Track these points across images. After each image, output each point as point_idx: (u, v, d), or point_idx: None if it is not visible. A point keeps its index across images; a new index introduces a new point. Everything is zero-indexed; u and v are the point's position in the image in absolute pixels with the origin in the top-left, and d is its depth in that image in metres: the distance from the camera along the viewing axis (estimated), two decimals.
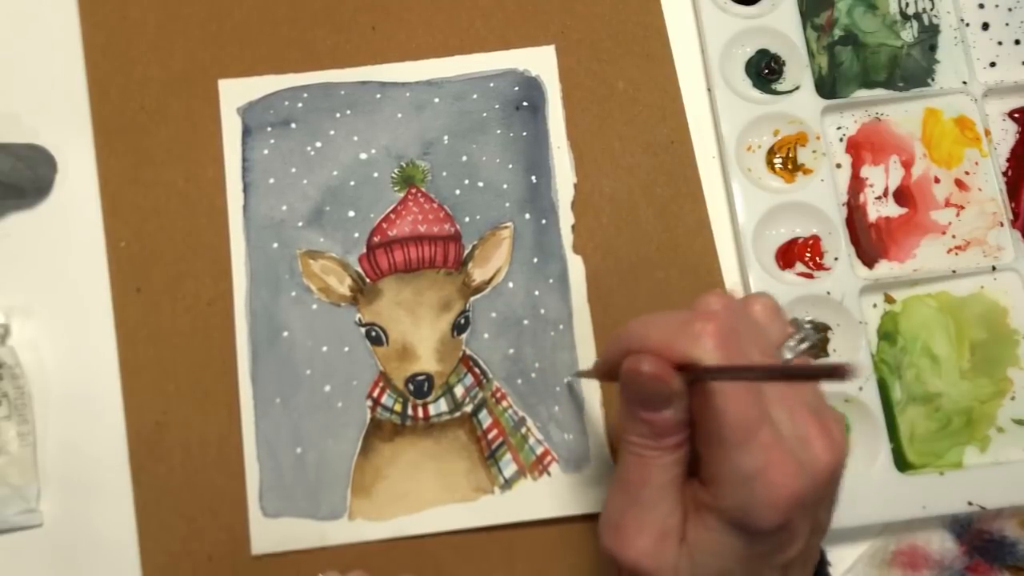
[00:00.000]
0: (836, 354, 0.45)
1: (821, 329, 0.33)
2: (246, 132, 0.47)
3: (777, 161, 0.48)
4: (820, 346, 0.33)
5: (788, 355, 0.33)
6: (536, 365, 0.45)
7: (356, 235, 0.46)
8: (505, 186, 0.47)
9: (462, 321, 0.45)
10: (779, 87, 0.48)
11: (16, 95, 0.48)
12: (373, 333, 0.45)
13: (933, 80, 0.49)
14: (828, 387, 0.44)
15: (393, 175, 0.47)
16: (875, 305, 0.46)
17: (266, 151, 0.47)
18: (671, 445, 0.32)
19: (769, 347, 0.32)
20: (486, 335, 0.45)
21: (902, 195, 0.48)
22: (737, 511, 0.30)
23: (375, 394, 0.44)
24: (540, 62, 0.49)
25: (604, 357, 0.34)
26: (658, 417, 0.31)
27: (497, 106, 0.48)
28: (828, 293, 0.45)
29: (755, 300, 0.34)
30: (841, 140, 0.48)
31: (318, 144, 0.47)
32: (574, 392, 0.44)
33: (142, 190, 0.47)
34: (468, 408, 0.44)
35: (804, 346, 0.33)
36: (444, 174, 0.47)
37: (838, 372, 0.24)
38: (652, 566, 0.32)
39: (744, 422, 0.30)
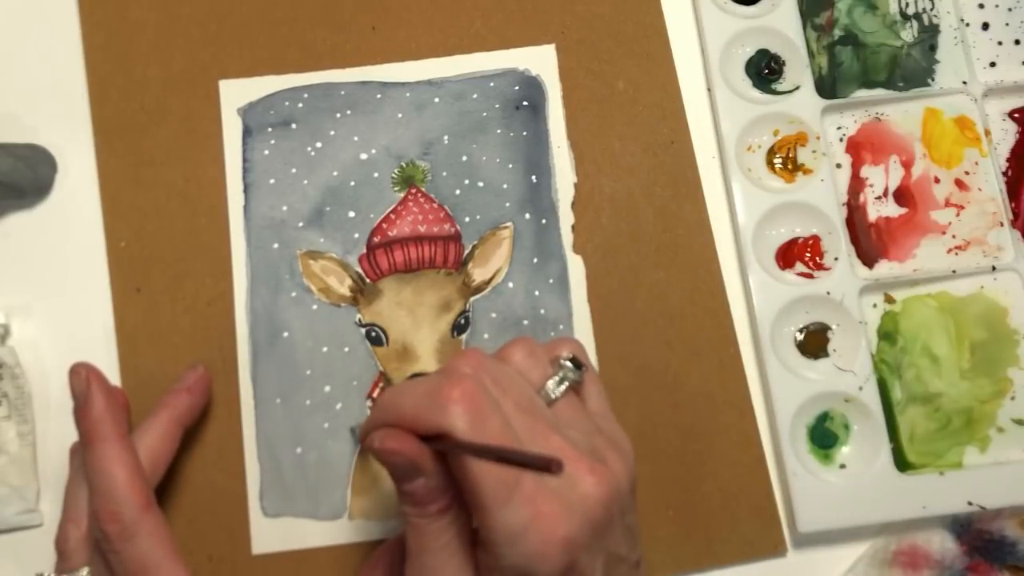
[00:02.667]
0: (836, 354, 0.45)
1: (579, 366, 0.34)
2: (247, 133, 0.47)
3: (777, 161, 0.48)
4: (580, 381, 0.35)
5: (552, 396, 0.34)
6: None
7: (356, 235, 0.46)
8: (505, 186, 0.47)
9: (462, 321, 0.45)
10: (779, 87, 0.48)
11: (16, 95, 0.48)
12: (373, 333, 0.45)
13: (933, 80, 0.49)
14: (829, 387, 0.44)
15: (393, 175, 0.47)
16: (875, 305, 0.46)
17: (266, 151, 0.47)
18: (436, 511, 0.32)
19: (526, 395, 0.33)
20: (486, 335, 0.45)
21: (902, 195, 0.48)
22: (517, 568, 0.30)
23: (375, 395, 0.44)
24: (540, 62, 0.49)
25: (364, 427, 0.34)
26: (414, 487, 0.32)
27: (497, 106, 0.48)
28: (828, 293, 0.45)
29: (513, 348, 0.35)
30: (841, 140, 0.48)
31: (318, 144, 0.47)
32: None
33: (142, 190, 0.47)
34: None
35: (564, 386, 0.34)
36: (444, 174, 0.47)
37: (549, 466, 0.26)
38: None
39: (501, 482, 0.30)
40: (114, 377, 0.44)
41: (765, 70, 0.49)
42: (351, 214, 0.46)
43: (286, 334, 0.45)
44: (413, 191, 0.47)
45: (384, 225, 0.46)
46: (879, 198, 0.48)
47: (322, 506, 0.43)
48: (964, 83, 0.49)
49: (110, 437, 0.38)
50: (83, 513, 0.38)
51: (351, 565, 0.42)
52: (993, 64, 0.49)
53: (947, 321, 0.46)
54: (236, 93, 0.48)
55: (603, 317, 0.45)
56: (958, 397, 0.45)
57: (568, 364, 0.35)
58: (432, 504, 0.32)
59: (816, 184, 0.47)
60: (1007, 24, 0.50)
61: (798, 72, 0.48)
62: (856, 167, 0.48)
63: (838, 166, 0.48)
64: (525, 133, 0.48)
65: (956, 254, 0.47)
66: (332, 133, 0.48)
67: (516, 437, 0.31)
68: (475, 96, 0.48)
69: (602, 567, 0.32)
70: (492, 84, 0.48)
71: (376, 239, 0.46)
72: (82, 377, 0.39)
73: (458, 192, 0.47)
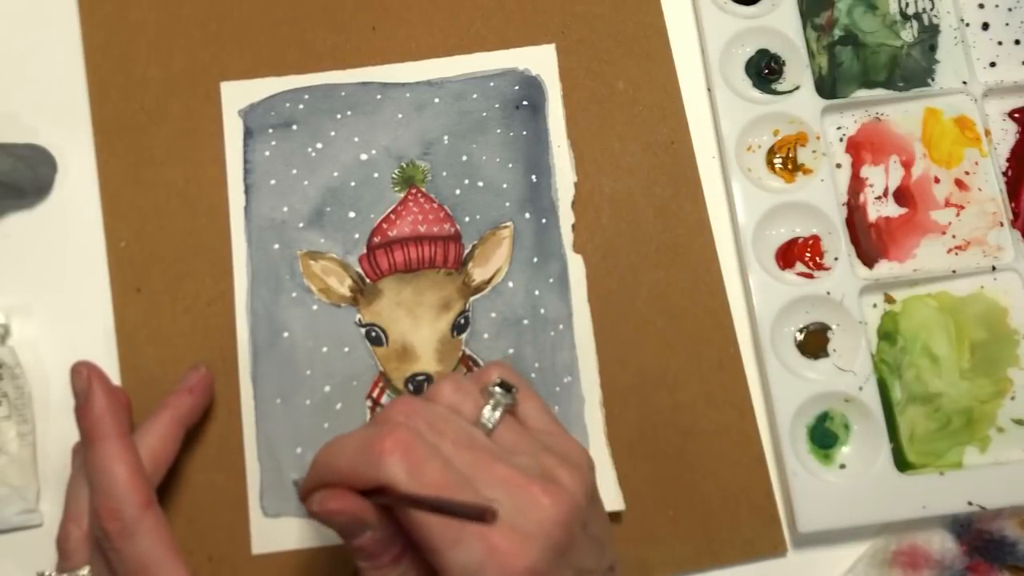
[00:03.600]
0: (836, 354, 0.45)
1: (508, 388, 0.34)
2: (248, 134, 0.47)
3: (777, 161, 0.48)
4: (513, 403, 0.35)
5: (489, 425, 0.34)
6: (536, 365, 0.45)
7: (356, 236, 0.46)
8: (505, 186, 0.47)
9: (462, 321, 0.45)
10: (779, 87, 0.48)
11: (16, 95, 0.48)
12: (373, 333, 0.45)
13: (933, 80, 0.49)
14: (829, 387, 0.44)
15: (393, 175, 0.47)
16: (875, 305, 0.46)
17: (267, 153, 0.47)
18: (390, 561, 0.32)
19: (463, 431, 0.33)
20: (486, 335, 0.45)
21: (902, 195, 0.48)
22: None
23: (375, 394, 0.44)
24: (540, 61, 0.49)
25: (303, 487, 0.34)
26: (363, 542, 0.32)
27: (497, 106, 0.48)
28: (828, 293, 0.45)
29: (439, 387, 0.34)
30: (841, 140, 0.48)
31: (319, 145, 0.47)
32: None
33: (142, 190, 0.47)
34: None
35: (499, 411, 0.34)
36: (444, 174, 0.47)
37: (483, 516, 0.27)
38: None
39: (446, 524, 0.30)
40: (114, 377, 0.44)
41: (765, 70, 0.49)
42: (351, 214, 0.46)
43: (286, 334, 0.45)
44: (413, 191, 0.47)
45: (384, 225, 0.46)
46: (879, 198, 0.48)
47: None
48: (964, 83, 0.49)
49: (111, 435, 0.38)
50: (84, 512, 0.38)
51: (351, 565, 0.42)
52: (993, 64, 0.49)
53: (947, 321, 0.46)
54: (237, 94, 0.48)
55: (603, 317, 0.45)
56: (958, 397, 0.45)
57: (497, 390, 0.34)
58: (384, 555, 0.32)
59: (816, 184, 0.47)
60: (1007, 24, 0.50)
61: (798, 72, 0.48)
62: (856, 167, 0.48)
63: (838, 166, 0.48)
64: (525, 133, 0.48)
65: (956, 254, 0.47)
66: (332, 134, 0.48)
67: (459, 476, 0.31)
68: (475, 96, 0.48)
69: None
70: (492, 84, 0.48)
71: (376, 239, 0.46)
72: (83, 375, 0.39)
73: (458, 192, 0.47)
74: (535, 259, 0.46)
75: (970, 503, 0.42)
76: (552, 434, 0.35)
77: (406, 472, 0.30)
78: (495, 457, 0.32)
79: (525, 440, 0.34)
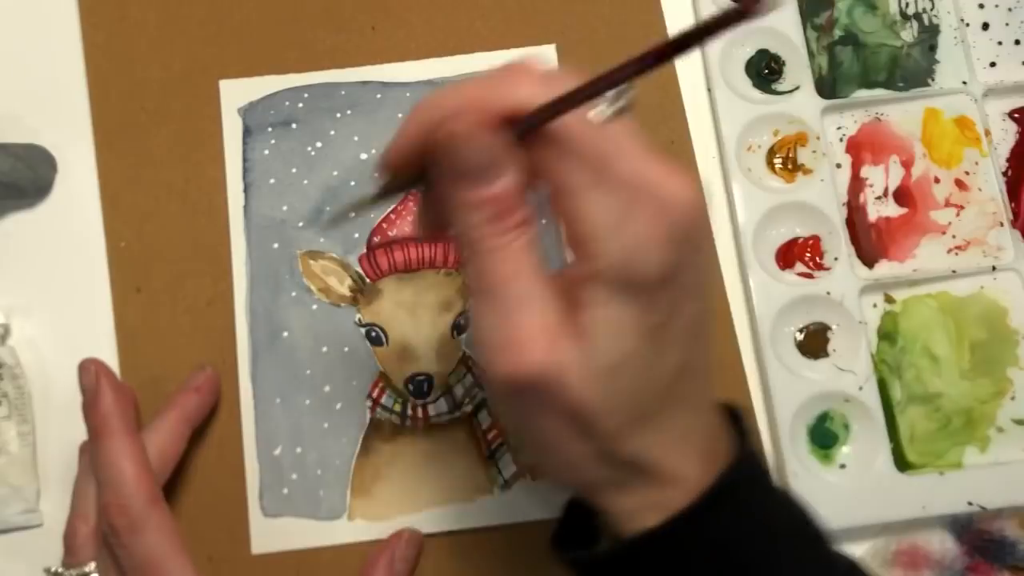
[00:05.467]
0: (836, 354, 0.45)
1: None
2: (247, 132, 0.47)
3: (777, 161, 0.48)
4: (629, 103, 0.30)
5: (608, 111, 0.29)
6: None
7: (356, 235, 0.46)
8: None
9: (462, 321, 0.45)
10: (779, 87, 0.48)
11: (16, 95, 0.48)
12: (373, 333, 0.45)
13: (933, 80, 0.49)
14: (829, 387, 0.44)
15: None
16: (875, 305, 0.46)
17: (267, 151, 0.47)
18: (519, 222, 0.28)
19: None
20: None
21: (902, 195, 0.48)
22: (621, 263, 0.26)
23: (375, 394, 0.44)
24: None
25: (398, 143, 0.29)
26: (494, 191, 0.27)
27: None
28: (828, 293, 0.45)
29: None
30: (841, 140, 0.48)
31: (319, 144, 0.47)
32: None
33: (142, 190, 0.47)
34: (468, 408, 0.44)
35: (621, 103, 0.30)
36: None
37: (748, 8, 0.20)
38: (555, 373, 0.27)
39: (597, 153, 0.26)
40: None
41: (765, 70, 0.49)
42: (351, 214, 0.46)
43: (286, 334, 0.45)
44: (413, 191, 0.47)
45: (384, 225, 0.46)
46: (879, 198, 0.48)
47: (322, 506, 0.43)
48: (964, 83, 0.49)
49: (118, 432, 0.38)
50: (91, 509, 0.38)
51: (351, 565, 0.42)
52: (993, 64, 0.49)
53: (947, 321, 0.46)
54: (236, 93, 0.48)
55: None
56: (958, 397, 0.45)
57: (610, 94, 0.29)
58: (515, 213, 0.27)
59: (816, 184, 0.47)
60: (1007, 24, 0.50)
61: (798, 72, 0.48)
62: (856, 167, 0.48)
63: (838, 166, 0.48)
64: None
65: (956, 254, 0.47)
66: (332, 133, 0.47)
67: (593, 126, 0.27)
68: None
69: (696, 289, 0.28)
70: None
71: (376, 239, 0.46)
72: (91, 372, 0.39)
73: None
74: None
75: (970, 503, 0.42)
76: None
77: (546, 93, 0.26)
78: (630, 132, 0.28)
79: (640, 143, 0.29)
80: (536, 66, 0.28)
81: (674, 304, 0.28)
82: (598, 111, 0.29)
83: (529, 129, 0.27)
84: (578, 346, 0.27)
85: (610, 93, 0.29)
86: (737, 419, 0.32)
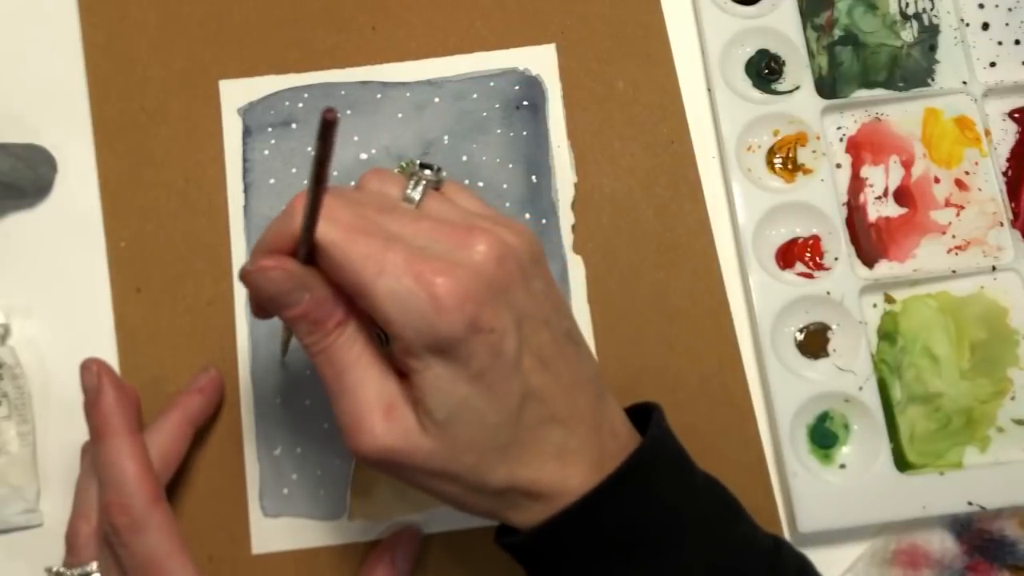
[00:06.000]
0: (836, 354, 0.45)
1: (433, 169, 0.34)
2: (247, 132, 0.47)
3: (777, 161, 0.48)
4: (439, 182, 0.34)
5: (415, 197, 0.33)
6: None
7: None
8: (505, 186, 0.47)
9: None
10: (779, 87, 0.48)
11: (16, 95, 0.48)
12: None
13: (933, 80, 0.49)
14: (829, 387, 0.44)
15: None
16: (875, 305, 0.46)
17: (267, 151, 0.47)
18: (336, 323, 0.31)
19: (387, 201, 0.33)
20: None
21: (902, 195, 0.48)
22: (420, 334, 0.30)
23: None
24: (540, 61, 0.49)
25: (240, 273, 0.34)
26: (302, 309, 0.31)
27: (497, 106, 0.48)
28: (828, 293, 0.45)
29: (365, 177, 0.35)
30: (841, 140, 0.48)
31: None
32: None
33: (142, 190, 0.47)
34: None
35: (422, 185, 0.33)
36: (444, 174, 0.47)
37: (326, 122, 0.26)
38: (399, 445, 0.31)
39: (366, 256, 0.30)
40: None
41: (765, 70, 0.49)
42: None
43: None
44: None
45: None
46: (879, 198, 0.48)
47: (322, 506, 0.43)
48: (964, 83, 0.49)
49: (120, 431, 0.38)
50: (93, 508, 0.38)
51: (351, 565, 0.42)
52: (993, 64, 0.49)
53: (947, 321, 0.46)
54: (236, 93, 0.48)
55: (603, 317, 0.45)
56: (958, 397, 0.45)
57: (424, 171, 0.33)
58: (330, 319, 0.31)
59: (816, 184, 0.47)
60: (1007, 24, 0.50)
61: (798, 72, 0.48)
62: (856, 167, 0.48)
63: (838, 166, 0.48)
64: (525, 133, 0.48)
65: (956, 254, 0.47)
66: None
67: (377, 225, 0.31)
68: (475, 96, 0.48)
69: (515, 327, 0.31)
70: (492, 84, 0.48)
71: None
72: (93, 371, 0.39)
73: None
74: None
75: (970, 503, 0.43)
76: (489, 216, 0.34)
77: (322, 218, 0.30)
78: (420, 216, 0.32)
79: (453, 208, 0.33)
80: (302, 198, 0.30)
81: (489, 345, 0.30)
82: (409, 190, 0.33)
83: (309, 251, 0.31)
84: (415, 411, 0.31)
85: (411, 183, 0.33)
86: (648, 415, 0.35)
